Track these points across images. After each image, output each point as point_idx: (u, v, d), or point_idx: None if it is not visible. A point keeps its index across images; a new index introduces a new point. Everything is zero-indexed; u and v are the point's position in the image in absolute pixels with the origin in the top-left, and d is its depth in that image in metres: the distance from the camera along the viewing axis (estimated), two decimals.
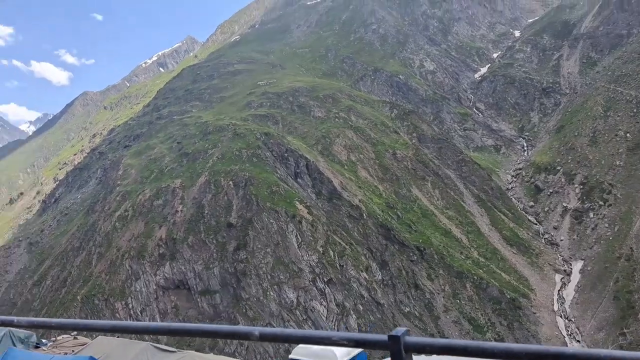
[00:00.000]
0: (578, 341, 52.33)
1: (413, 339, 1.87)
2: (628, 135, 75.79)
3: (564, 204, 73.95)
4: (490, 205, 75.20)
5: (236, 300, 52.74)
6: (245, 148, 71.70)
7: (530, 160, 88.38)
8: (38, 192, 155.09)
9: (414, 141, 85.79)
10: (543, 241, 70.79)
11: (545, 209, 76.71)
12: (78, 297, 59.61)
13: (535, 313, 56.44)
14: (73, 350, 15.07)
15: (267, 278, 52.84)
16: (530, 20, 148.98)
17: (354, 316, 49.86)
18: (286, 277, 52.32)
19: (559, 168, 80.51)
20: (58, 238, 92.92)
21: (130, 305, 57.06)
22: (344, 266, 53.58)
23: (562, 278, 62.86)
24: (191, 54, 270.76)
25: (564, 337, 53.50)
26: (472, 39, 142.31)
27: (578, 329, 54.67)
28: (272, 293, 51.42)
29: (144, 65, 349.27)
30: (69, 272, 70.68)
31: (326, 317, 49.49)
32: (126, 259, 61.10)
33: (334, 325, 48.64)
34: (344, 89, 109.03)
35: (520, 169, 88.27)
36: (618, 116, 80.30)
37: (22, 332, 16.08)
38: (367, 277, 53.23)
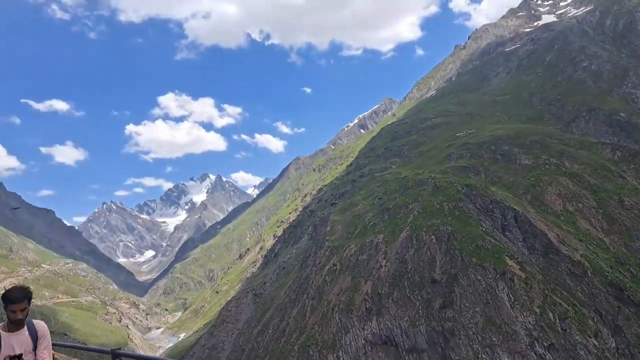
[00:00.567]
0: None
1: None
2: None
3: None
4: None
5: None
6: (447, 201, 73.34)
7: None
8: (261, 248, 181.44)
9: None
10: None
11: None
12: (295, 347, 67.51)
13: None
14: None
15: (478, 339, 52.06)
16: None
17: None
18: (499, 339, 50.76)
19: None
20: (277, 290, 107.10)
21: (342, 359, 62.17)
22: (567, 330, 49.36)
23: None
24: (389, 113, 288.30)
25: None
26: None
27: None
28: (484, 356, 50.37)
29: (346, 128, 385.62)
30: (287, 323, 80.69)
31: None
32: (336, 312, 67.25)
33: None
34: (554, 133, 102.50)
35: None
36: None
37: None
38: (596, 343, 47.90)
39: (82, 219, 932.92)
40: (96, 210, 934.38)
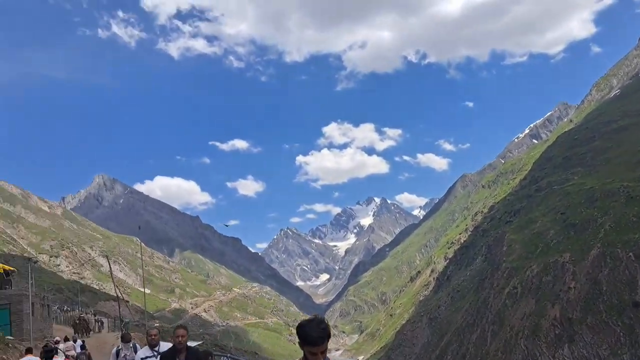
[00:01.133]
0: None
1: None
2: None
3: None
4: None
5: None
6: None
7: None
8: (432, 271, 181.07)
9: None
10: None
11: None
12: None
13: None
14: None
15: None
16: None
17: None
18: None
19: None
20: (453, 314, 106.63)
21: None
22: None
23: None
24: (565, 119, 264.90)
25: None
26: None
27: None
28: None
29: (516, 140, 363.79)
30: (466, 348, 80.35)
31: None
32: (521, 338, 65.42)
33: None
34: None
35: None
36: None
37: None
38: None
39: (263, 245, 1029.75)
40: (275, 237, 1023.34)
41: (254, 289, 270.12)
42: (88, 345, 21.66)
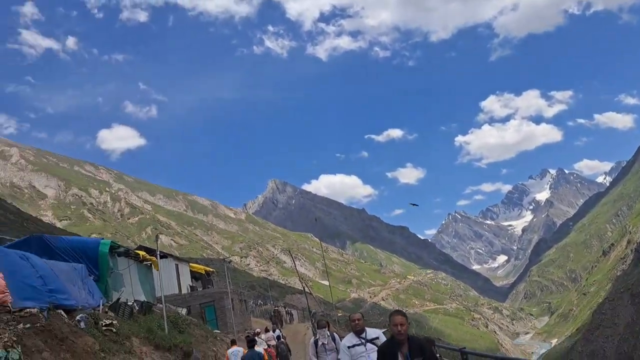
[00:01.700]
0: None
1: None
2: None
3: None
4: None
5: None
6: None
7: None
8: (629, 242, 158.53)
9: None
10: None
11: None
12: None
13: None
14: None
15: None
16: None
17: None
18: None
19: None
20: None
21: None
22: None
23: None
24: None
25: None
26: None
27: None
28: None
29: None
30: None
31: None
32: None
33: None
34: None
35: None
36: None
37: None
38: None
39: (432, 232, 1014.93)
40: (443, 222, 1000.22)
41: (428, 276, 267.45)
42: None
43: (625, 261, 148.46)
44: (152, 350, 15.07)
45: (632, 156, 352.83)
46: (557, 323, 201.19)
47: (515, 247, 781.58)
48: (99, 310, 14.34)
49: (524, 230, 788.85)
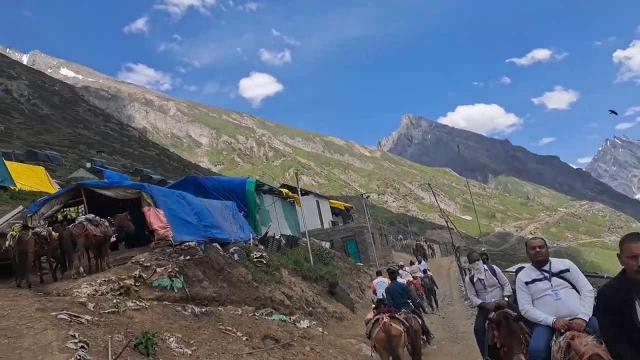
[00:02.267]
0: None
1: None
2: None
3: None
4: None
5: None
6: None
7: None
8: None
9: None
10: None
11: None
12: None
13: None
14: None
15: None
16: None
17: None
18: None
19: None
20: None
21: None
22: None
23: None
24: None
25: None
26: None
27: None
28: None
29: None
30: None
31: None
32: None
33: None
34: None
35: None
36: None
37: None
38: None
39: (586, 160, 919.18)
40: (600, 149, 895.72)
41: (583, 207, 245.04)
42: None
43: None
44: (300, 281, 15.73)
45: None
46: None
47: None
48: (249, 243, 15.19)
49: None
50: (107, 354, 5.53)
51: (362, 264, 26.62)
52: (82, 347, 5.40)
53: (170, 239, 11.07)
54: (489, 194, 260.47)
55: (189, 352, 6.84)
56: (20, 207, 12.64)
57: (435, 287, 19.78)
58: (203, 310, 9.29)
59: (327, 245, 25.25)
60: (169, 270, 10.01)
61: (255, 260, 13.79)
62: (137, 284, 9.36)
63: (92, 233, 9.55)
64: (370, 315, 9.08)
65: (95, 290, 8.51)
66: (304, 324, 11.35)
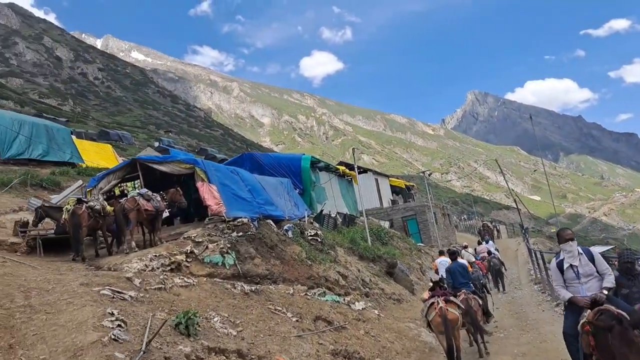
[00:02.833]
0: None
1: None
2: None
3: None
4: None
5: None
6: None
7: None
8: None
9: None
10: None
11: None
12: None
13: None
14: None
15: None
16: None
17: None
18: None
19: None
20: None
21: None
22: None
23: None
24: None
25: None
26: None
27: None
28: None
29: None
30: None
31: None
32: None
33: None
34: None
35: None
36: None
37: None
38: None
39: None
40: None
41: None
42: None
43: None
44: (356, 260, 15.19)
45: None
46: None
47: None
48: (304, 221, 14.81)
49: None
50: (145, 332, 5.24)
51: (423, 245, 25.68)
52: (118, 325, 5.14)
53: (224, 214, 10.84)
54: (560, 173, 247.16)
55: (234, 332, 6.48)
56: (80, 182, 12.91)
57: (503, 269, 18.66)
58: (253, 288, 8.97)
59: (386, 224, 24.51)
60: (221, 246, 9.78)
61: (309, 238, 13.39)
62: (188, 260, 9.19)
63: (144, 207, 9.44)
64: (425, 294, 8.84)
65: (146, 266, 8.38)
66: (359, 305, 10.81)
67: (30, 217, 10.70)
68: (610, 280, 5.28)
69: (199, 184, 11.12)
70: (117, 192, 12.61)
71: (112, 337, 4.78)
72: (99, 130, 51.64)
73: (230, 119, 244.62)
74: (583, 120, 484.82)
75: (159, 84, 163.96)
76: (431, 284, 11.07)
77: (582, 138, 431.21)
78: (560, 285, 5.54)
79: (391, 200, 33.69)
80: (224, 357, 5.69)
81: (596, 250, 5.58)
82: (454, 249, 16.00)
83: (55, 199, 12.32)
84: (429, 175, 39.58)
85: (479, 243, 22.00)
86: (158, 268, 8.51)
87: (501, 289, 17.81)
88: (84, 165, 20.89)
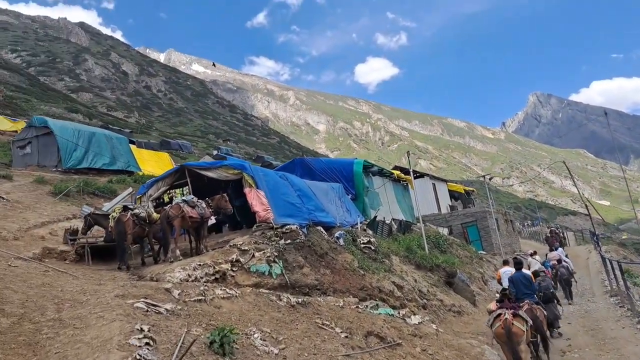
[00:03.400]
0: None
1: None
2: None
3: None
4: None
5: None
6: None
7: None
8: None
9: None
10: None
11: None
12: None
13: None
14: None
15: None
16: None
17: None
18: None
19: None
20: None
21: None
22: None
23: None
24: None
25: None
26: None
27: None
28: None
29: None
30: None
31: None
32: None
33: None
34: None
35: None
36: None
37: None
38: None
39: None
40: None
41: None
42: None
43: None
44: (412, 270, 14.28)
45: None
46: None
47: None
48: (356, 227, 14.10)
49: None
50: (175, 351, 4.75)
51: (484, 253, 24.20)
52: (147, 343, 4.67)
53: (272, 221, 10.37)
54: (632, 177, 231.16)
55: (275, 351, 5.89)
56: (130, 189, 12.89)
57: (573, 279, 17.14)
58: (300, 300, 8.38)
59: (444, 231, 23.29)
60: (268, 254, 9.29)
61: (362, 245, 12.67)
62: (233, 269, 8.77)
63: (189, 215, 9.12)
64: (492, 305, 8.75)
65: (189, 275, 8.01)
66: (415, 319, 9.96)
67: (81, 225, 10.70)
68: None
69: (246, 190, 10.72)
70: (166, 199, 12.47)
71: (137, 357, 4.31)
72: (160, 140, 53.33)
73: (286, 127, 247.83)
74: None
75: (218, 94, 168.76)
76: (498, 295, 10.63)
77: None
78: None
79: (450, 205, 32.22)
80: None
81: None
82: (520, 258, 14.97)
83: (106, 206, 12.36)
84: (490, 179, 37.64)
85: (550, 249, 20.50)
86: (202, 278, 8.12)
87: (568, 299, 16.37)
88: (141, 173, 21.27)
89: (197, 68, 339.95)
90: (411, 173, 18.55)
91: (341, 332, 7.50)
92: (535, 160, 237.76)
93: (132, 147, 25.38)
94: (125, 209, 9.34)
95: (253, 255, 9.26)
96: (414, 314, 10.46)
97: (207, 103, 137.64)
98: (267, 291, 8.46)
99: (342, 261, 11.07)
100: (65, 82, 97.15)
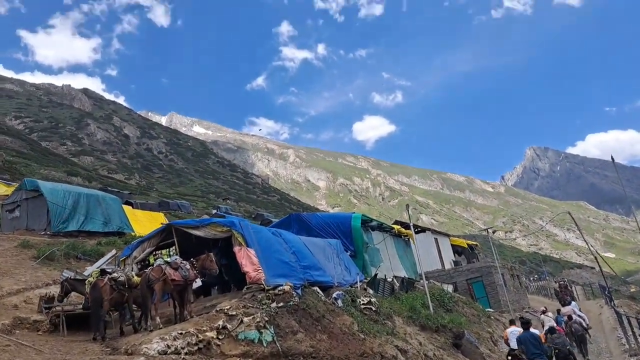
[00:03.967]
0: None
1: None
2: None
3: None
4: None
5: None
6: None
7: None
8: None
9: None
10: None
11: None
12: None
13: None
14: None
15: None
16: None
17: None
18: None
19: None
20: None
21: None
22: None
23: None
24: None
25: None
26: None
27: None
28: None
29: None
30: None
31: None
32: None
33: None
34: None
35: None
36: None
37: None
38: None
39: None
40: None
41: None
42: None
43: None
44: (417, 331, 13.28)
45: None
46: None
47: None
48: (356, 287, 13.25)
49: None
50: None
51: (492, 310, 23.00)
52: None
53: (263, 282, 9.62)
54: (634, 228, 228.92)
55: None
56: (113, 251, 12.19)
57: (587, 335, 16.21)
58: None
59: (449, 288, 22.22)
60: (257, 320, 8.49)
61: (362, 307, 11.81)
62: (219, 337, 7.96)
63: (171, 277, 8.38)
64: None
65: (168, 346, 7.19)
66: None
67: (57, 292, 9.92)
68: None
69: (236, 249, 10.04)
70: (152, 260, 11.75)
71: None
72: (159, 201, 52.82)
73: (287, 184, 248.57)
74: None
75: (218, 154, 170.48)
76: (509, 358, 10.55)
77: None
78: None
79: (453, 261, 31.19)
80: None
81: None
82: (527, 317, 14.53)
83: (87, 270, 11.62)
84: (493, 233, 36.80)
85: (563, 305, 19.57)
86: (183, 349, 7.30)
87: (584, 356, 15.43)
88: (133, 234, 20.58)
89: (198, 130, 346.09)
90: (412, 227, 17.86)
91: None
92: (536, 213, 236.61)
93: (126, 207, 24.79)
94: (102, 272, 8.62)
95: (241, 321, 8.46)
96: None
97: (207, 163, 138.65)
98: None
99: (340, 324, 10.21)
100: (67, 146, 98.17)
